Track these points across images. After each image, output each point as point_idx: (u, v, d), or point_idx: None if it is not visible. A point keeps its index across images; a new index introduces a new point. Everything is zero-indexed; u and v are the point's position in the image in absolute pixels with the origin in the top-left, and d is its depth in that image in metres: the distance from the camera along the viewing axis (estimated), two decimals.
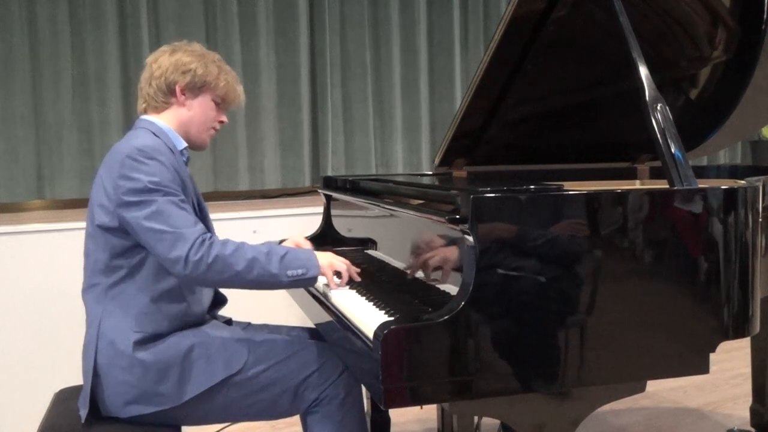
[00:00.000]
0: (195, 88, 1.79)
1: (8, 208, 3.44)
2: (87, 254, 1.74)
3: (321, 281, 1.79)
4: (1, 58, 3.33)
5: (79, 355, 1.73)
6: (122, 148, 1.68)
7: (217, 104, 1.84)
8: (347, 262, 1.80)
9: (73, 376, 1.92)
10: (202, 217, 1.80)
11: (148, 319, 1.68)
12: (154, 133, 1.75)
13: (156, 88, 1.79)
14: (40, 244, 2.83)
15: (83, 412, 1.68)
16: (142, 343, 1.66)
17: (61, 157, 3.46)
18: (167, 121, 1.80)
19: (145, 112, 1.83)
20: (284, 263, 1.64)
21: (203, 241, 1.60)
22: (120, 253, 1.68)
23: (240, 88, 1.89)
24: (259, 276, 1.62)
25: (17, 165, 3.37)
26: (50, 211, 3.50)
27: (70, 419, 1.72)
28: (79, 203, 3.54)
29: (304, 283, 1.70)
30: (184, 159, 1.81)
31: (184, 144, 1.82)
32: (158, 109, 1.81)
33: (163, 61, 1.79)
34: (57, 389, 1.94)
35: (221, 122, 1.87)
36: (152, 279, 1.69)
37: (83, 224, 2.63)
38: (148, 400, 1.66)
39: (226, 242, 1.63)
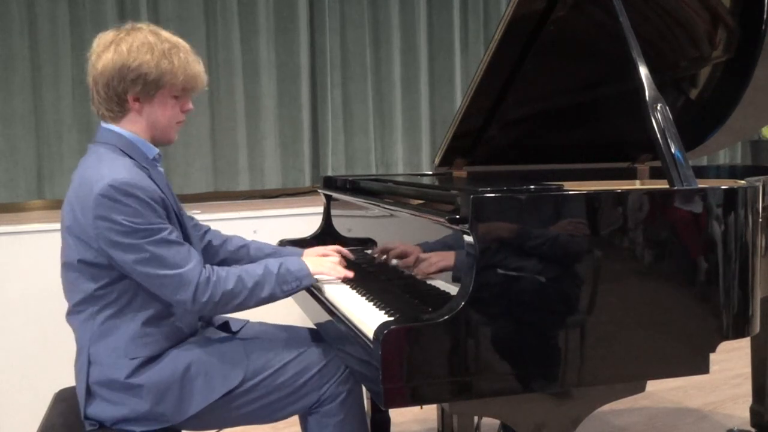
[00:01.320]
0: (149, 94, 1.62)
1: (8, 208, 3.44)
2: (68, 281, 1.67)
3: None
4: (1, 58, 3.33)
5: None
6: (92, 181, 1.55)
7: (177, 98, 1.68)
8: (336, 253, 1.91)
9: (73, 376, 1.92)
10: (181, 223, 1.72)
11: (141, 343, 1.63)
12: (122, 150, 1.63)
13: (105, 95, 1.62)
14: (40, 244, 2.83)
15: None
16: (138, 368, 1.62)
17: (61, 157, 3.46)
18: (130, 128, 1.66)
19: (102, 118, 1.69)
20: (279, 280, 1.69)
21: (207, 279, 1.59)
22: (108, 284, 1.62)
23: (200, 69, 1.69)
24: (259, 300, 1.68)
25: (17, 165, 3.37)
26: (50, 211, 3.50)
27: (70, 419, 1.72)
28: None
29: (299, 291, 1.77)
30: (158, 164, 1.72)
31: (156, 150, 1.71)
32: (115, 119, 1.66)
33: (107, 62, 1.59)
34: (57, 389, 1.94)
35: (186, 111, 1.72)
36: (142, 303, 1.64)
37: None
38: (148, 420, 1.63)
39: (227, 277, 1.62)
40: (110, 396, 1.62)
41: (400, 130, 4.30)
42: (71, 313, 1.69)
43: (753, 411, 2.62)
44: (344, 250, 2.02)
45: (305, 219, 3.04)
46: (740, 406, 2.96)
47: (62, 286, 1.71)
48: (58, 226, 2.87)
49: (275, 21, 3.95)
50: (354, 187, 2.28)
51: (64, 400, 1.85)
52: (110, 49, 1.61)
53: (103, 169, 1.57)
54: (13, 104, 3.36)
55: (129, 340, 1.63)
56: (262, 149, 3.92)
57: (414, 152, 4.37)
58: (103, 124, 1.70)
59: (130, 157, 1.64)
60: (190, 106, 1.74)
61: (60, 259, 1.71)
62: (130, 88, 1.61)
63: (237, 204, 3.66)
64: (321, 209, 2.51)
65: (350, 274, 1.83)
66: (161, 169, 1.74)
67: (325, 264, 1.83)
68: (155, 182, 1.63)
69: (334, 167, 4.12)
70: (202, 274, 1.59)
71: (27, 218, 3.14)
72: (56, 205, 3.57)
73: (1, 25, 3.33)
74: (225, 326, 1.89)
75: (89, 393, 1.64)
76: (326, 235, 2.45)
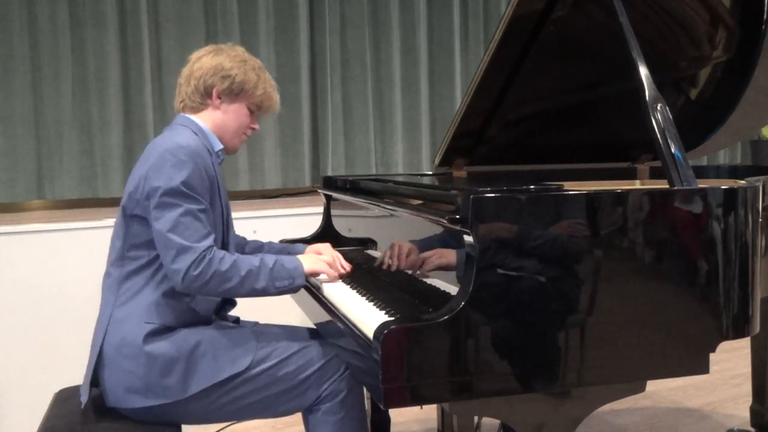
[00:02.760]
0: (232, 94, 1.82)
1: (8, 208, 3.44)
2: (111, 241, 1.80)
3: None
4: (1, 58, 3.33)
5: (80, 354, 1.74)
6: (163, 142, 1.71)
7: (251, 111, 1.87)
8: (334, 255, 1.91)
9: (73, 376, 1.92)
10: (227, 223, 1.86)
11: (158, 311, 1.70)
12: (194, 132, 1.78)
13: (194, 88, 1.81)
14: (40, 244, 2.83)
15: (84, 398, 1.69)
16: (152, 335, 1.68)
17: (61, 157, 3.46)
18: (204, 121, 1.83)
19: (182, 110, 1.85)
20: (273, 275, 1.73)
21: (204, 257, 1.64)
22: (137, 245, 1.72)
23: (276, 97, 1.91)
24: (250, 290, 1.71)
25: (17, 165, 3.37)
26: (50, 211, 3.50)
27: (70, 419, 1.72)
28: (79, 203, 3.54)
29: (291, 291, 1.79)
30: (219, 161, 1.84)
31: (221, 146, 1.85)
32: (195, 110, 1.84)
33: (205, 62, 1.81)
34: (57, 389, 1.94)
35: (253, 129, 1.91)
36: (164, 275, 1.70)
37: (83, 224, 2.64)
38: (152, 392, 1.66)
39: (223, 257, 1.67)
40: (120, 361, 1.67)
41: (400, 130, 4.30)
42: (105, 276, 1.79)
43: (753, 411, 2.62)
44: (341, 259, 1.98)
45: (305, 219, 3.04)
46: (740, 406, 2.96)
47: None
48: (58, 226, 2.91)
49: (275, 21, 3.94)
50: (354, 187, 2.28)
51: (64, 400, 1.85)
52: (211, 54, 1.84)
53: (175, 137, 1.73)
54: (13, 104, 3.36)
55: (147, 306, 1.70)
56: (262, 149, 3.92)
57: (414, 152, 4.37)
58: (181, 114, 1.86)
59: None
60: (257, 126, 1.93)
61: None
62: (218, 83, 1.80)
63: (237, 204, 3.66)
64: (321, 209, 2.51)
65: (347, 267, 1.90)
66: (220, 170, 1.85)
67: (321, 261, 1.87)
68: (214, 168, 1.78)
69: (334, 167, 4.12)
70: (201, 253, 1.64)
71: (27, 218, 3.14)
72: (56, 205, 3.57)
73: (1, 25, 3.33)
74: (236, 323, 1.92)
75: (101, 356, 1.69)
76: (326, 235, 2.45)
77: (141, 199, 1.69)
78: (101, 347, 1.70)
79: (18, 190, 3.38)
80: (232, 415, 1.77)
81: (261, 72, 1.86)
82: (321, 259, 1.87)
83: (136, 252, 1.72)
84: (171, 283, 1.68)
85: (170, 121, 1.88)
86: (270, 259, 1.75)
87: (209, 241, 1.67)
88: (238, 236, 2.11)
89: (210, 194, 1.73)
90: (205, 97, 1.82)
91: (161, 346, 1.68)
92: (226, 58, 1.82)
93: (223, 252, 1.69)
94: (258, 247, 2.12)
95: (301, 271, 1.78)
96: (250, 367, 1.72)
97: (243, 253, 2.07)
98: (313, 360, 1.77)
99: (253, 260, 1.72)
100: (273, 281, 1.73)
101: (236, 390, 1.71)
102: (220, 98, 1.82)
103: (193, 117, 1.84)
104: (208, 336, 1.73)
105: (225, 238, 1.85)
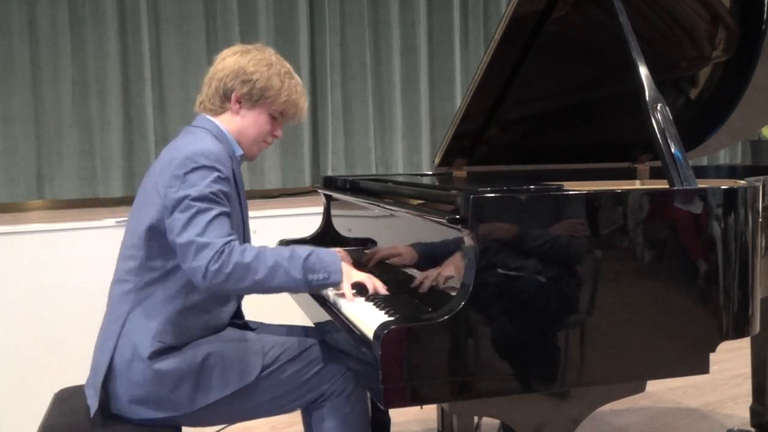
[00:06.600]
0: (252, 100, 1.76)
1: (8, 208, 3.44)
2: (126, 245, 1.72)
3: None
4: (1, 58, 3.33)
5: (79, 354, 1.73)
6: (183, 148, 1.65)
7: (273, 118, 1.81)
8: (371, 276, 1.72)
9: (73, 376, 1.92)
10: (246, 227, 1.83)
11: (171, 330, 1.65)
12: (215, 136, 1.73)
13: (214, 90, 1.76)
14: (40, 244, 2.83)
15: (93, 406, 1.65)
16: (160, 353, 1.64)
17: (61, 157, 3.46)
18: (225, 124, 1.78)
19: (202, 110, 1.80)
20: (306, 266, 1.61)
21: (223, 250, 1.54)
22: (157, 254, 1.65)
23: (303, 103, 1.84)
24: (282, 282, 1.60)
25: (17, 165, 3.37)
26: (50, 211, 3.50)
27: (70, 419, 1.72)
28: (79, 203, 3.54)
29: (327, 287, 1.69)
30: (238, 165, 1.80)
31: (241, 151, 1.80)
32: (214, 112, 1.79)
33: (228, 63, 1.76)
34: (57, 389, 1.94)
35: (275, 136, 1.85)
36: (182, 289, 1.65)
37: (83, 224, 2.62)
38: (159, 406, 1.65)
39: (245, 249, 1.57)
40: (129, 375, 1.64)
41: (400, 130, 4.30)
42: (117, 281, 1.72)
43: (753, 411, 2.62)
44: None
45: (305, 219, 3.04)
46: (740, 406, 2.96)
47: (118, 254, 1.75)
48: (58, 226, 2.91)
49: (275, 21, 3.94)
50: (354, 187, 2.28)
51: (64, 400, 1.85)
52: (237, 54, 1.78)
53: (197, 142, 1.67)
54: (13, 104, 3.36)
55: (161, 322, 1.65)
56: None
57: (414, 152, 4.37)
58: (203, 116, 1.80)
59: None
60: (280, 133, 1.87)
61: (126, 226, 1.76)
62: (237, 88, 1.75)
63: None
64: (321, 209, 2.51)
65: (383, 290, 1.70)
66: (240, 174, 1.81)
67: (356, 273, 1.71)
68: (234, 174, 1.73)
69: (334, 167, 4.12)
70: (221, 246, 1.55)
71: (27, 218, 3.14)
72: (56, 205, 3.57)
73: (1, 25, 3.33)
74: (245, 326, 1.89)
75: (111, 366, 1.65)
76: (326, 235, 2.45)
77: (162, 208, 1.61)
78: (112, 357, 1.65)
79: (18, 190, 3.38)
80: (235, 418, 1.76)
81: (287, 78, 1.79)
82: (353, 274, 1.71)
83: (153, 262, 1.65)
84: (194, 285, 1.60)
85: (172, 121, 1.85)
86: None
87: (230, 237, 1.58)
88: None
89: (231, 199, 1.67)
90: (224, 100, 1.76)
91: (171, 363, 1.64)
92: (250, 60, 1.75)
93: (247, 245, 1.62)
94: None
95: (339, 267, 1.64)
96: (258, 378, 1.70)
97: None
98: (318, 359, 1.77)
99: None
100: (306, 274, 1.60)
101: (242, 398, 1.71)
102: (239, 103, 1.76)
103: (214, 119, 1.78)
104: (216, 348, 1.69)
105: (244, 241, 1.80)
